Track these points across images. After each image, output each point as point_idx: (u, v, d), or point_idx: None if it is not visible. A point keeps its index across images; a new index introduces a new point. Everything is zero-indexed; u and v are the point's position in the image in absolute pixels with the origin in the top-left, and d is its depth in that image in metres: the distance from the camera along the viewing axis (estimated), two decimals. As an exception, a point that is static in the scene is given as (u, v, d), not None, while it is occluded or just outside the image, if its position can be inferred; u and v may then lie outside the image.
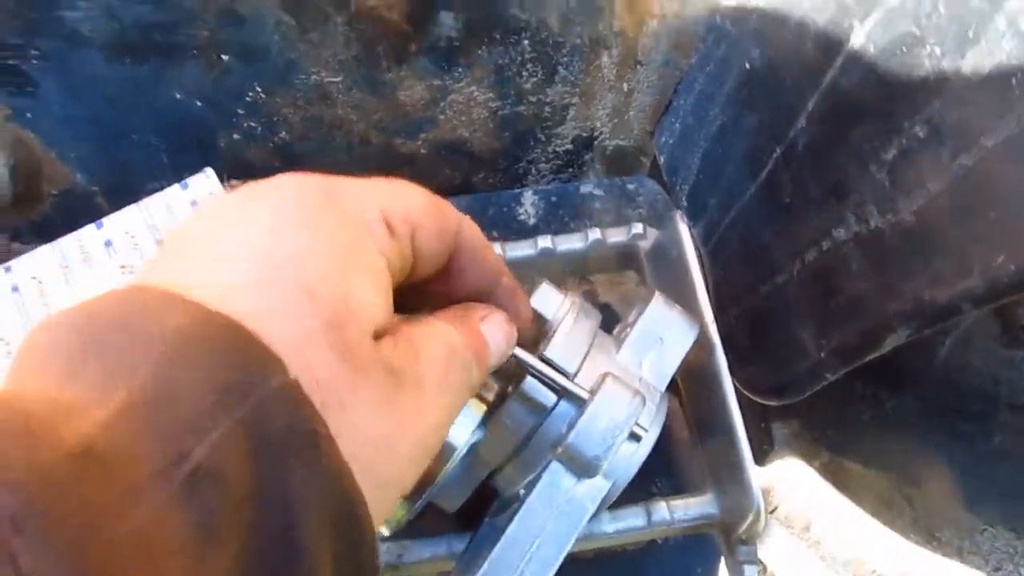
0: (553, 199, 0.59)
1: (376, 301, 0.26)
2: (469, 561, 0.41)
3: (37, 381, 0.21)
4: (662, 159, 0.62)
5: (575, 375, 0.39)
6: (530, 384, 0.38)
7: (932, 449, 0.56)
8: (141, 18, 0.53)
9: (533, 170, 0.65)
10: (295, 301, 0.23)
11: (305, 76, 0.57)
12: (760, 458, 0.67)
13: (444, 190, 0.65)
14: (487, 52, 0.57)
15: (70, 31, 0.53)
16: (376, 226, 0.27)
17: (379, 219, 0.28)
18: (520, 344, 0.36)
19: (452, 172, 0.65)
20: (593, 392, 0.38)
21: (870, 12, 0.44)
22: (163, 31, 0.54)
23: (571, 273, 0.56)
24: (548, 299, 0.41)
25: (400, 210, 0.29)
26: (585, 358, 0.40)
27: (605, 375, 0.38)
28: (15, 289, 0.47)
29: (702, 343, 0.45)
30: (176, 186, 0.50)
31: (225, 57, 0.55)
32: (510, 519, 0.38)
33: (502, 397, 0.40)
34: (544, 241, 0.51)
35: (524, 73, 0.58)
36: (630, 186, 0.60)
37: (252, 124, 0.60)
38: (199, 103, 0.58)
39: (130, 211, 0.50)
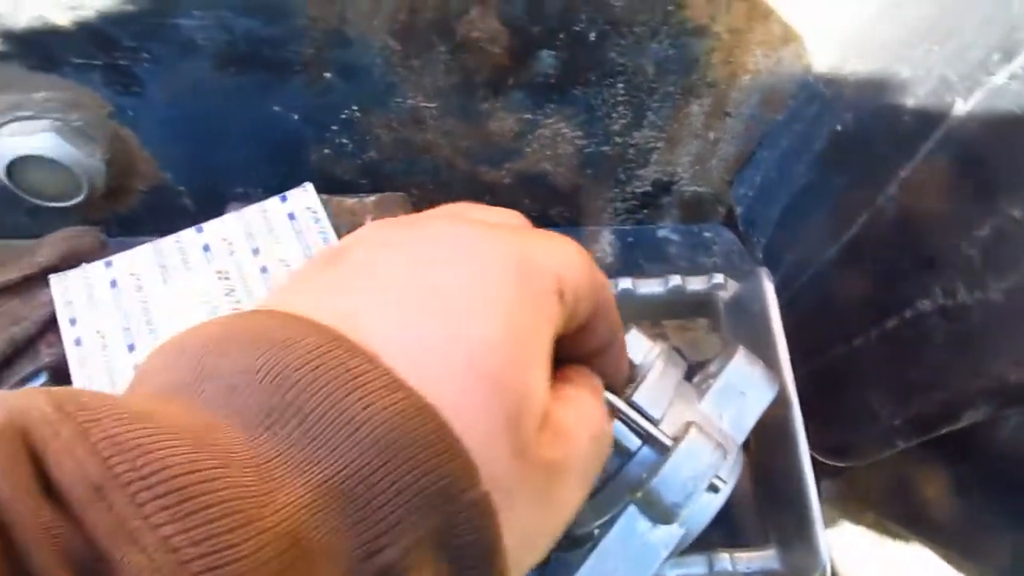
0: (630, 240, 0.60)
1: (545, 387, 0.26)
2: (538, 595, 0.41)
3: (229, 423, 0.20)
4: (739, 209, 0.63)
5: (660, 422, 0.40)
6: (616, 427, 0.39)
7: (987, 526, 0.56)
8: (252, 32, 0.55)
9: (610, 208, 0.66)
10: (487, 395, 0.23)
11: (402, 99, 0.58)
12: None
13: (521, 220, 0.66)
14: (581, 92, 0.58)
15: (184, 39, 0.54)
16: (551, 299, 0.26)
17: (555, 290, 0.26)
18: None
19: (531, 203, 0.66)
20: (677, 440, 0.38)
21: (973, 90, 0.44)
22: (272, 46, 0.55)
23: (644, 316, 0.57)
24: (638, 345, 0.42)
25: (571, 278, 0.27)
26: (670, 406, 0.40)
27: (689, 424, 0.39)
28: (114, 284, 0.49)
29: (778, 400, 0.45)
30: (275, 198, 0.52)
31: (328, 75, 0.57)
32: (583, 558, 0.39)
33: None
34: (624, 283, 0.52)
35: (614, 115, 0.60)
36: (706, 234, 0.61)
37: (344, 141, 0.61)
38: (296, 117, 0.60)
39: (229, 219, 0.51)
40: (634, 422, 0.39)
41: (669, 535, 0.39)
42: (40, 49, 0.55)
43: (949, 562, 0.58)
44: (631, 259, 0.59)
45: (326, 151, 0.62)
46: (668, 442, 0.39)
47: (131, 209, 0.66)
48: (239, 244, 0.50)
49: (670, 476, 0.38)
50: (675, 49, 0.55)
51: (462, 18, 0.53)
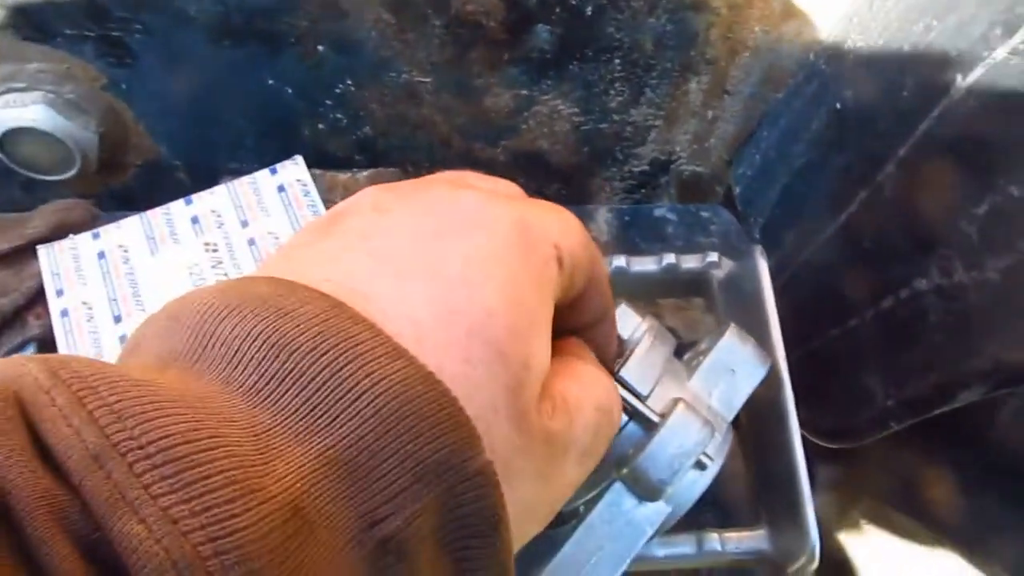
0: (626, 218, 0.60)
1: (546, 356, 0.25)
2: (522, 572, 0.41)
3: (227, 391, 0.20)
4: (737, 189, 0.62)
5: (647, 398, 0.39)
6: (603, 403, 0.39)
7: (984, 511, 0.56)
8: (245, 3, 0.54)
9: (607, 187, 0.66)
10: (489, 364, 0.23)
11: (396, 74, 0.58)
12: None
13: (517, 199, 0.66)
14: (578, 67, 0.57)
15: (177, 10, 0.54)
16: (552, 265, 0.26)
17: (554, 256, 0.26)
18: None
19: (527, 182, 0.65)
20: (664, 416, 0.38)
21: (974, 66, 0.44)
22: (265, 17, 0.55)
23: (639, 295, 0.56)
24: (626, 320, 0.41)
25: (569, 246, 0.27)
26: (658, 382, 0.40)
27: (677, 400, 0.39)
28: (101, 256, 0.48)
29: (770, 379, 0.44)
30: (265, 171, 0.51)
31: (321, 48, 0.56)
32: (568, 534, 0.39)
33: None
34: (618, 260, 0.52)
35: (611, 91, 0.59)
36: (704, 213, 0.60)
37: (338, 116, 0.61)
38: (290, 90, 0.59)
39: (218, 191, 0.51)
40: (621, 397, 0.39)
41: (655, 512, 0.39)
42: (32, 19, 0.55)
43: (947, 547, 0.57)
44: (627, 238, 0.59)
45: (320, 126, 0.62)
46: (655, 418, 0.38)
47: (126, 184, 0.66)
48: (228, 216, 0.49)
49: (656, 453, 0.37)
50: (673, 24, 0.55)
51: (457, -9, 0.53)
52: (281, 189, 0.50)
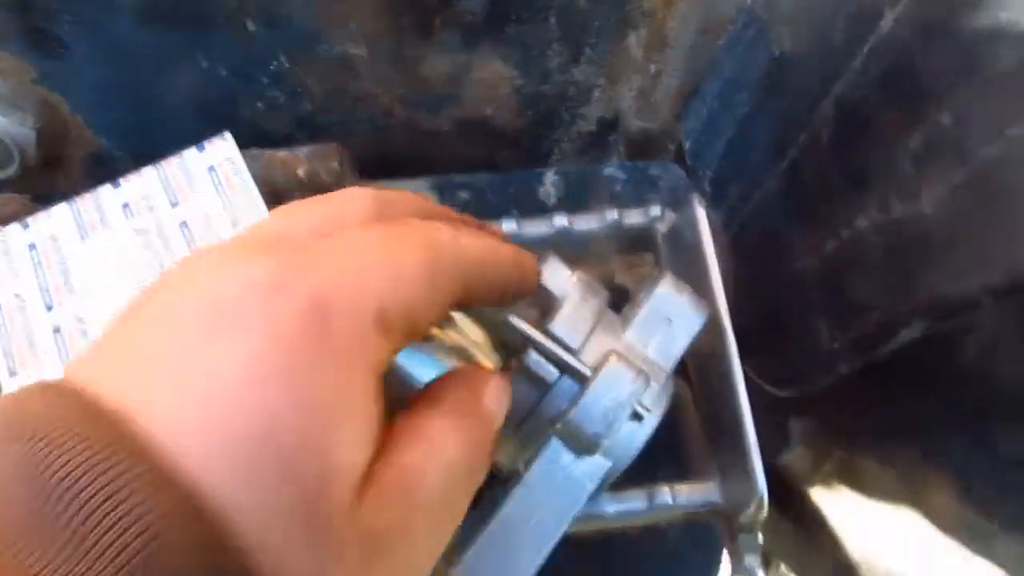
0: (574, 179, 0.59)
1: (361, 451, 0.23)
2: (466, 536, 0.40)
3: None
4: (687, 144, 0.62)
5: (579, 351, 0.39)
6: (532, 358, 0.38)
7: (951, 452, 0.55)
8: (171, -17, 0.53)
9: (557, 150, 0.65)
10: (275, 484, 0.20)
11: (329, 47, 0.57)
12: (775, 452, 0.66)
13: (467, 167, 0.65)
14: (513, 29, 0.56)
15: (102, -5, 0.53)
16: (368, 337, 0.23)
17: (372, 323, 0.23)
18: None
19: (475, 149, 0.65)
20: (596, 369, 0.37)
21: (900, -2, 0.43)
22: (192, -3, 0.54)
23: (588, 254, 0.56)
24: (556, 274, 0.40)
25: (401, 298, 0.24)
26: (590, 335, 0.39)
27: (609, 352, 0.38)
28: (32, 247, 0.48)
29: (713, 327, 0.44)
30: (193, 149, 0.51)
31: (251, 25, 0.55)
32: (507, 495, 0.38)
33: (502, 371, 0.39)
34: (560, 220, 0.51)
35: (549, 52, 0.58)
36: (653, 171, 0.59)
37: (276, 94, 0.60)
38: (224, 72, 0.58)
39: (147, 173, 0.50)
40: (551, 352, 0.38)
41: (594, 467, 0.38)
42: (-46, 15, 0.54)
43: (915, 494, 0.57)
44: (576, 198, 0.58)
45: (259, 105, 0.61)
46: (586, 371, 0.38)
47: (70, 179, 0.65)
48: (158, 199, 0.49)
49: (589, 406, 0.37)
50: (605, -22, 0.54)
51: (380, -44, 0.52)
52: (211, 169, 0.50)
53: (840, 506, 0.62)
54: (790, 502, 0.67)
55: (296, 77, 0.59)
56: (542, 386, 0.39)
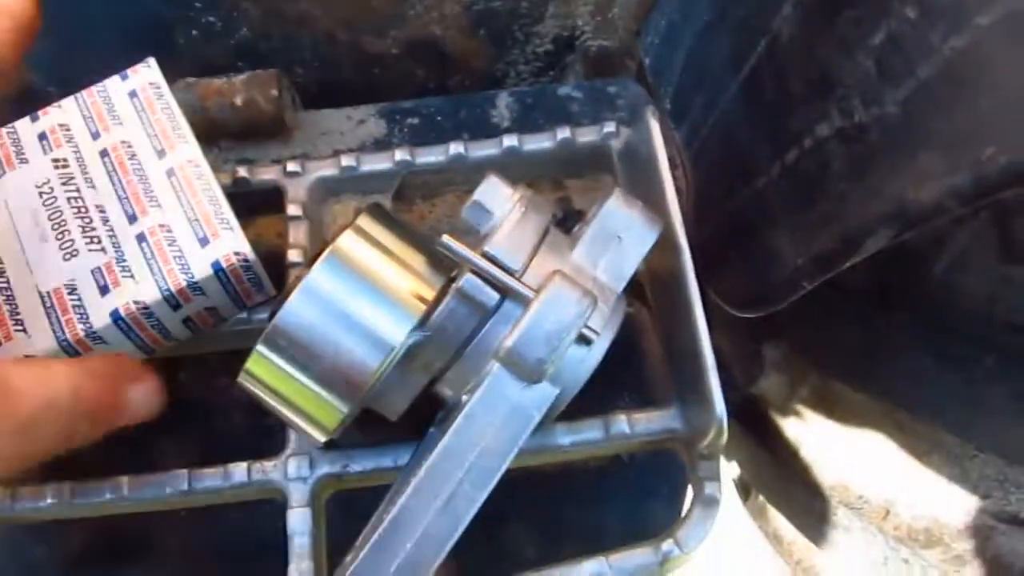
0: (528, 101, 0.56)
1: None
2: (410, 471, 0.38)
3: None
4: (647, 60, 0.59)
5: (521, 273, 0.36)
6: (470, 282, 0.36)
7: (923, 371, 0.54)
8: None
9: (512, 73, 0.62)
10: None
11: (263, -35, 0.54)
12: (750, 381, 0.64)
13: (417, 93, 0.62)
14: (456, -61, 0.53)
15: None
16: None
17: None
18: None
19: (426, 73, 0.61)
20: (538, 290, 0.35)
21: None
22: (108, -88, 0.50)
23: (543, 177, 0.53)
24: (494, 192, 0.38)
25: None
26: (533, 255, 0.37)
27: (553, 273, 0.36)
28: None
29: (669, 246, 0.41)
30: (116, 77, 0.47)
31: (177, -57, 0.52)
32: (448, 426, 0.36)
33: (442, 296, 0.37)
34: (510, 140, 0.48)
35: (498, -36, 0.55)
36: (611, 88, 0.56)
37: (211, 19, 0.57)
38: (154, -6, 0.55)
39: (66, 104, 0.47)
40: (490, 274, 0.36)
41: (541, 396, 0.36)
42: None
43: (889, 416, 0.55)
44: (531, 121, 0.55)
45: (194, 32, 0.57)
46: (529, 294, 0.35)
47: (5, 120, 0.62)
48: (77, 129, 0.46)
49: (532, 330, 0.35)
50: None
51: None
52: (133, 95, 0.47)
53: (815, 432, 0.61)
54: (766, 431, 0.65)
55: (231, 0, 0.55)
56: (482, 311, 0.36)
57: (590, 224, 0.39)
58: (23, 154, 0.45)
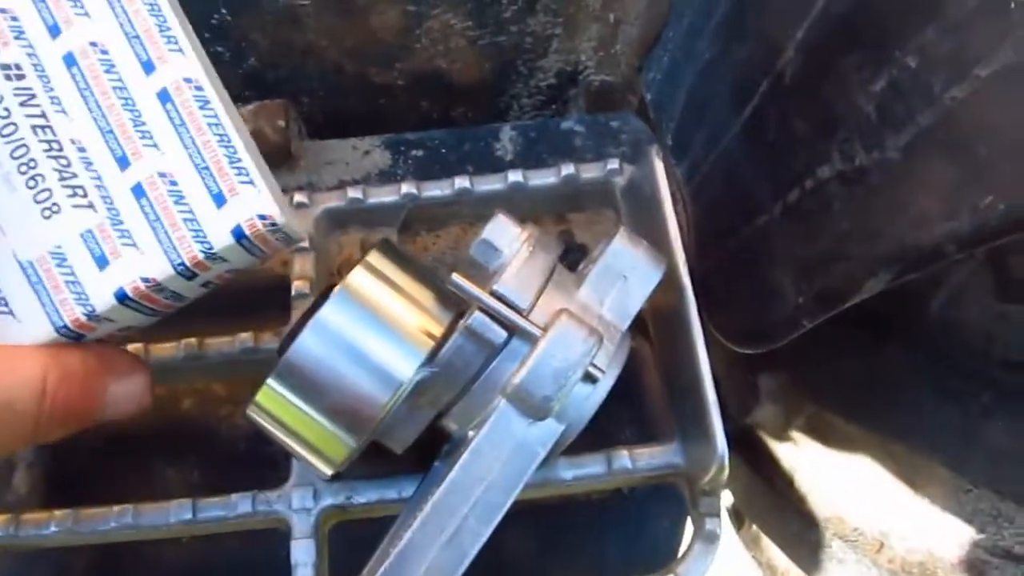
0: (532, 134, 0.57)
1: None
2: (415, 505, 0.39)
3: None
4: (648, 96, 0.59)
5: (528, 311, 0.37)
6: (478, 320, 0.36)
7: (920, 406, 0.54)
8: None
9: (515, 105, 0.63)
10: None
11: (273, -3, 0.54)
12: (745, 411, 0.65)
13: (422, 124, 0.62)
14: (464, -24, 0.54)
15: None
16: None
17: None
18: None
19: (430, 105, 0.62)
20: (546, 329, 0.36)
21: (865, -67, 0.41)
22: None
23: (546, 212, 0.54)
24: (502, 231, 0.38)
25: None
26: (540, 294, 0.37)
27: (560, 311, 0.36)
28: None
29: (671, 284, 0.42)
30: None
31: (187, -25, 0.52)
32: (455, 462, 0.36)
33: (450, 333, 0.38)
34: (515, 175, 0.49)
35: (503, 0, 0.55)
36: (613, 123, 0.57)
37: (219, 49, 0.57)
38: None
39: None
40: (498, 312, 0.36)
41: (547, 432, 0.37)
42: None
43: (885, 449, 0.56)
44: (534, 154, 0.56)
45: (202, 62, 0.58)
46: (536, 332, 0.36)
47: None
48: (30, 22, 0.34)
49: (539, 367, 0.35)
50: (558, -80, 0.51)
51: (320, -102, 0.49)
52: None
53: (810, 463, 0.62)
54: (761, 460, 0.66)
55: (240, 31, 0.56)
56: (490, 349, 0.37)
57: (596, 263, 0.39)
58: None
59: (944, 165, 0.36)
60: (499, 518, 0.36)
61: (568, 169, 0.49)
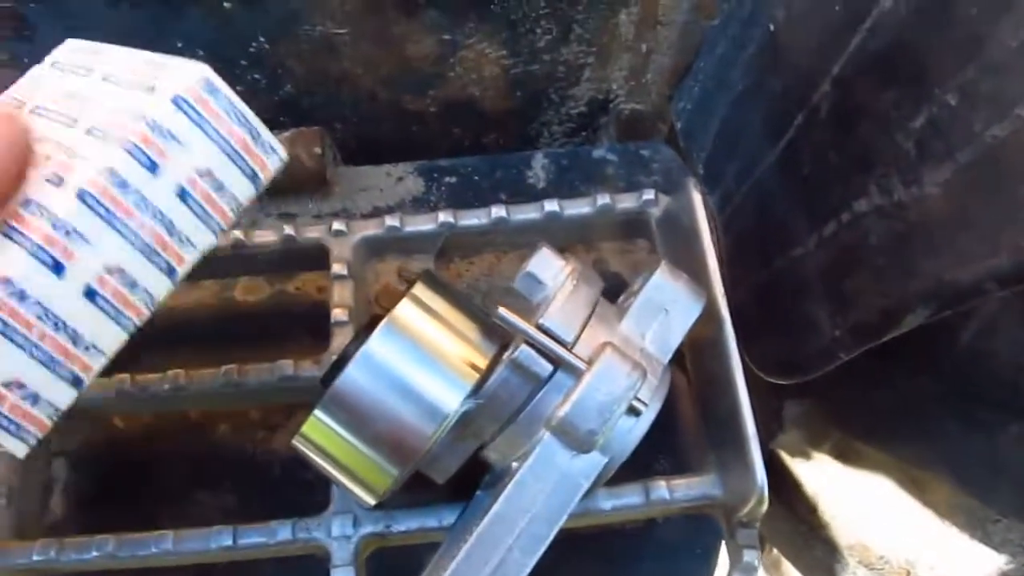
0: (564, 163, 0.57)
1: None
2: (458, 535, 0.39)
3: None
4: (679, 125, 0.60)
5: (573, 345, 0.37)
6: (524, 353, 0.37)
7: (948, 435, 0.54)
8: (138, -39, 0.51)
9: (546, 133, 0.63)
10: None
11: (310, 27, 0.55)
12: (770, 437, 0.65)
13: (453, 150, 0.63)
14: (499, 7, 0.55)
15: (68, -26, 0.51)
16: None
17: None
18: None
19: (462, 132, 0.63)
20: (590, 362, 0.36)
21: (903, -29, 0.41)
22: (163, -25, 0.52)
23: (579, 241, 0.54)
24: (547, 264, 0.39)
25: None
26: (584, 327, 0.38)
27: (604, 345, 0.36)
28: None
29: (710, 316, 0.42)
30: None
31: (227, 4, 0.53)
32: (499, 493, 0.37)
33: (495, 365, 0.38)
34: (551, 205, 0.49)
35: (537, 30, 0.56)
36: (644, 152, 0.58)
37: (256, 76, 0.58)
38: (201, 52, 0.56)
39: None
40: (543, 346, 0.36)
41: (590, 464, 0.37)
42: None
43: (911, 477, 0.56)
44: (566, 182, 0.57)
45: (239, 89, 0.58)
46: (581, 365, 0.36)
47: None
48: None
49: (584, 401, 0.35)
50: (594, -47, 0.52)
51: (362, -69, 0.50)
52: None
53: (835, 490, 0.62)
54: (783, 485, 0.66)
55: (276, 59, 0.57)
56: (535, 381, 0.37)
57: (637, 296, 0.40)
58: None
59: (984, 203, 0.37)
60: (543, 549, 0.36)
61: (604, 199, 0.49)
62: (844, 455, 0.61)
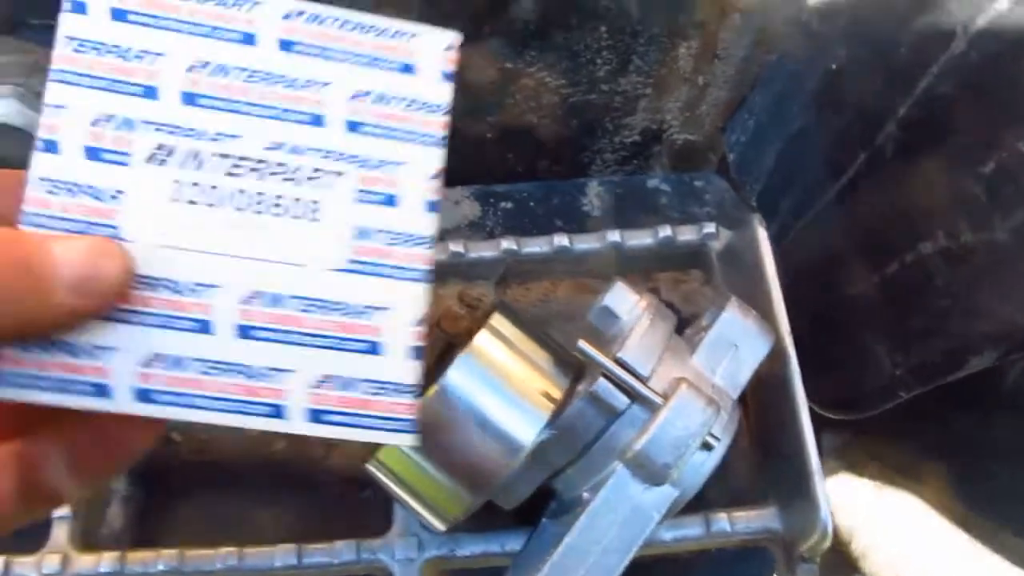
0: (619, 191, 0.58)
1: None
2: (526, 562, 0.40)
3: None
4: (731, 156, 0.61)
5: (648, 379, 0.38)
6: (602, 386, 0.37)
7: (990, 472, 0.55)
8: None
9: (598, 160, 0.64)
10: None
11: (375, 52, 0.56)
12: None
13: (507, 176, 0.64)
14: (563, 37, 0.55)
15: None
16: None
17: None
18: None
19: (516, 157, 0.63)
20: (667, 397, 0.37)
21: (975, 18, 0.42)
22: None
23: (633, 269, 0.55)
24: (622, 298, 0.40)
25: None
26: (659, 361, 0.38)
27: (680, 380, 0.37)
28: None
29: (776, 352, 0.43)
30: None
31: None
32: (572, 523, 0.37)
33: (570, 397, 0.39)
34: (612, 236, 0.50)
35: (598, 61, 0.57)
36: (698, 183, 0.58)
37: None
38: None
39: None
40: (621, 379, 0.37)
41: (662, 497, 0.38)
42: (-3, 10, 0.53)
43: (950, 511, 0.56)
44: (620, 211, 0.57)
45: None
46: (657, 400, 0.37)
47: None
48: None
49: (660, 435, 0.36)
50: (659, -13, 0.53)
51: (434, -40, 0.51)
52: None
53: (871, 522, 0.62)
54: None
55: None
56: (611, 414, 0.38)
57: (708, 331, 0.40)
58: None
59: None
60: (614, 581, 0.37)
61: (665, 231, 0.50)
62: (882, 488, 0.61)
